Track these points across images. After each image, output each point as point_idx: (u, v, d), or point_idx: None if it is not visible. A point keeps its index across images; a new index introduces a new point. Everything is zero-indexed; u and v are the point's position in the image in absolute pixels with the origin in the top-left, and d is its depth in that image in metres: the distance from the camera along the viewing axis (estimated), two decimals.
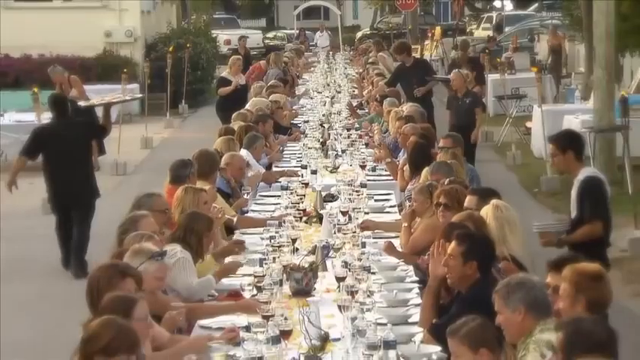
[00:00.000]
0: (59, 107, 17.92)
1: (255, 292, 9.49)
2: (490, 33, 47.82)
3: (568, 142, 12.31)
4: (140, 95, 29.93)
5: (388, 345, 7.67)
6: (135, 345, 6.58)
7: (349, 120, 21.50)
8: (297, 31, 58.30)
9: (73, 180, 17.07)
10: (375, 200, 13.67)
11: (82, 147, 17.65)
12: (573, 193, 11.66)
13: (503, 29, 48.81)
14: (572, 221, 11.58)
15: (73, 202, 17.21)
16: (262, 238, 11.59)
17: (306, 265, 9.88)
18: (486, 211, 9.65)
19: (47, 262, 16.98)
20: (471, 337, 6.77)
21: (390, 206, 13.25)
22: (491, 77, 29.76)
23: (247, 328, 8.37)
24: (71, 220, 17.04)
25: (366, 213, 12.80)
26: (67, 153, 17.09)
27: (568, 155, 11.91)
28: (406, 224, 11.62)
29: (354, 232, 11.40)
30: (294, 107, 24.74)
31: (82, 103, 20.93)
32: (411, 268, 10.52)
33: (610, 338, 6.46)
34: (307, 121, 21.77)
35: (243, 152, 14.72)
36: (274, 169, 16.15)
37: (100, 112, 19.58)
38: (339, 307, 8.66)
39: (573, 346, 6.19)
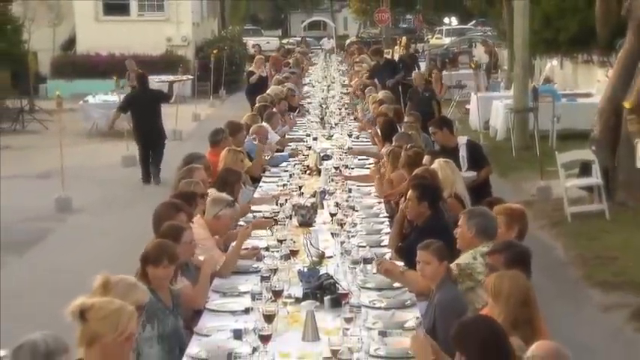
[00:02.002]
0: (142, 81, 19.57)
1: (272, 223, 9.52)
2: (443, 41, 47.86)
3: (442, 123, 12.59)
4: (191, 77, 31.62)
5: (367, 261, 7.79)
6: (174, 258, 6.66)
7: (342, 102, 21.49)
8: (300, 38, 58.17)
9: (150, 127, 18.63)
10: (359, 159, 13.63)
11: (155, 107, 18.96)
12: (463, 152, 11.82)
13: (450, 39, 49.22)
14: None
15: (150, 141, 18.64)
16: (277, 185, 11.65)
17: (309, 205, 9.88)
18: (438, 166, 9.72)
19: (130, 185, 17.50)
20: (439, 252, 6.80)
21: (369, 163, 13.20)
22: (446, 73, 29.70)
23: (266, 249, 8.41)
24: (149, 152, 18.64)
25: (351, 168, 12.81)
26: (145, 110, 18.62)
27: (445, 131, 12.19)
28: (378, 176, 11.64)
29: (343, 182, 11.45)
30: (301, 93, 24.62)
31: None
32: (383, 206, 10.46)
33: (529, 256, 6.52)
34: (310, 103, 21.66)
35: (264, 124, 14.68)
36: (287, 136, 16.10)
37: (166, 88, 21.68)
38: (332, 234, 8.70)
39: (510, 260, 6.20)
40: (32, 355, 4.47)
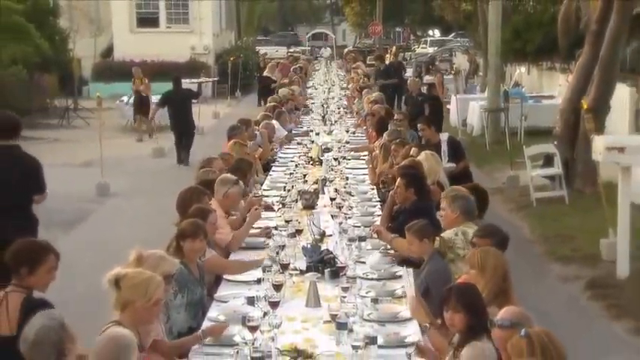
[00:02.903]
0: (176, 82, 20.28)
1: (280, 206, 9.52)
2: (427, 50, 47.75)
3: (429, 122, 12.64)
4: (216, 78, 32.72)
5: (362, 239, 7.82)
6: (206, 234, 6.70)
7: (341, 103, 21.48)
8: (310, 48, 58.22)
9: (184, 119, 19.49)
10: (354, 152, 13.63)
11: (187, 102, 19.93)
12: (445, 147, 11.81)
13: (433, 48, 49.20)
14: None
15: (183, 130, 19.47)
16: (285, 174, 11.65)
17: (312, 190, 9.87)
18: (423, 157, 9.71)
19: (158, 172, 17.27)
20: (419, 231, 6.81)
21: (363, 155, 13.19)
22: (426, 78, 29.61)
23: (276, 228, 8.42)
24: (182, 140, 19.37)
25: (348, 159, 12.81)
26: (180, 105, 19.51)
27: (431, 128, 12.22)
28: (371, 166, 11.64)
29: (342, 171, 11.47)
30: (305, 94, 24.62)
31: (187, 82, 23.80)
32: (375, 192, 10.45)
33: (508, 240, 6.53)
34: (313, 103, 21.67)
35: (274, 122, 14.66)
36: (293, 131, 16.10)
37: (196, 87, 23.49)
38: (332, 215, 8.69)
39: (496, 243, 6.20)
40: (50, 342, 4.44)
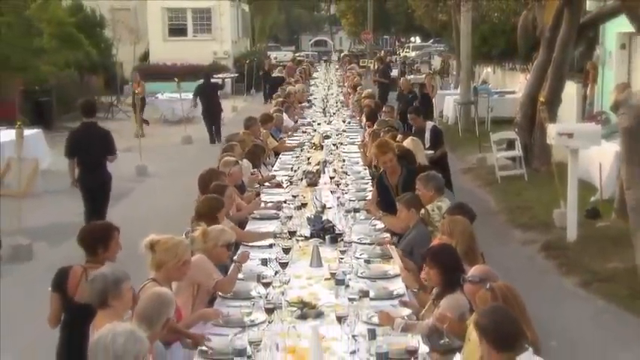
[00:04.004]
0: (207, 77, 21.59)
1: (288, 184, 9.51)
2: (410, 54, 47.58)
3: (419, 111, 12.42)
4: (235, 74, 33.24)
5: (356, 210, 7.81)
6: (222, 207, 6.62)
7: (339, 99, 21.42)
8: (317, 53, 58.01)
9: (213, 104, 20.43)
10: (350, 138, 13.61)
11: (215, 92, 21.24)
12: (428, 134, 11.71)
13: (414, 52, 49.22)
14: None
15: (214, 112, 20.39)
16: (292, 157, 11.64)
17: (315, 170, 9.86)
18: (408, 142, 9.67)
19: (187, 157, 17.02)
20: (407, 202, 6.78)
21: (358, 141, 13.15)
22: (408, 76, 29.53)
23: (285, 202, 8.39)
24: (213, 122, 20.29)
25: (343, 144, 12.77)
26: (210, 97, 20.56)
27: (420, 118, 12.08)
28: (362, 150, 11.60)
29: (339, 154, 11.44)
30: (309, 91, 24.58)
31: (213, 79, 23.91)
32: (367, 172, 10.34)
33: (475, 216, 6.52)
34: (315, 98, 21.62)
35: (284, 115, 14.64)
36: (299, 121, 16.06)
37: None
38: (331, 191, 8.67)
39: (469, 218, 6.19)
40: (104, 282, 4.44)
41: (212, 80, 22.37)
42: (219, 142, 18.85)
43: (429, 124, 12.21)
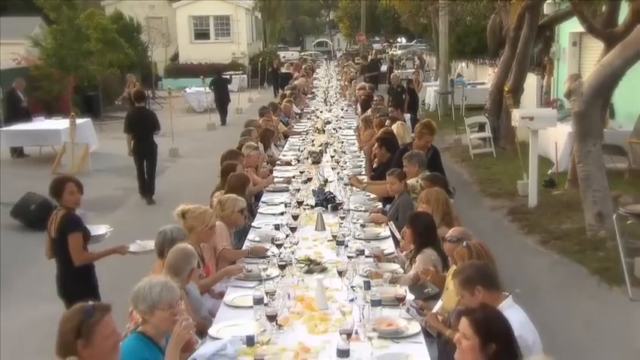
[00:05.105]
0: (219, 73, 22.10)
1: (296, 162, 9.50)
2: (397, 52, 47.23)
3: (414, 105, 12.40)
4: (244, 74, 32.14)
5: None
6: (246, 184, 6.63)
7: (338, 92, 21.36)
8: (313, 53, 57.72)
9: (223, 99, 20.87)
10: (346, 123, 13.56)
11: (225, 85, 21.57)
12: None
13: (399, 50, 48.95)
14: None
15: (224, 101, 20.95)
16: (299, 140, 11.61)
17: (318, 150, 9.84)
18: (396, 127, 9.63)
19: (212, 140, 16.99)
20: (399, 176, 6.74)
21: (354, 126, 13.12)
22: (396, 71, 29.38)
23: (293, 177, 8.38)
24: (223, 106, 20.84)
25: (342, 128, 12.73)
26: (221, 89, 21.08)
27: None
28: (357, 133, 11.54)
29: (338, 137, 11.38)
30: (312, 84, 24.49)
31: (226, 75, 24.59)
32: (362, 152, 10.27)
33: (446, 181, 6.52)
34: (318, 89, 21.55)
35: (292, 104, 14.60)
36: (304, 110, 16.04)
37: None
38: (332, 168, 8.67)
39: (444, 187, 6.18)
40: (164, 238, 4.55)
41: (223, 76, 22.69)
42: (225, 124, 20.23)
43: (407, 116, 12.17)
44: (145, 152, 11.48)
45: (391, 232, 6.02)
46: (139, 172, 11.62)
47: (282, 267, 4.93)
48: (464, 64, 27.89)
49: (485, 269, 3.79)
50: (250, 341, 3.80)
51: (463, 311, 3.31)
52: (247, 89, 29.91)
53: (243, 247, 5.86)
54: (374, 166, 8.72)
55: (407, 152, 7.38)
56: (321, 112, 15.16)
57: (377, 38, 59.28)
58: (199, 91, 23.61)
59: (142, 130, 11.33)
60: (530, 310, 3.81)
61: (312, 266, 5.22)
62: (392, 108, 12.29)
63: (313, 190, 7.41)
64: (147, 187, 11.71)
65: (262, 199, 7.75)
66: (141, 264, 5.27)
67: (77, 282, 5.37)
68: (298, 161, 9.47)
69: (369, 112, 12.03)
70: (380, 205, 7.17)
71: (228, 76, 25.57)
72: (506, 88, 13.48)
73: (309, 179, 8.03)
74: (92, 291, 5.35)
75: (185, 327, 3.38)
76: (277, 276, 4.91)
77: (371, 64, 27.31)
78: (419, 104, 19.12)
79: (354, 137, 11.70)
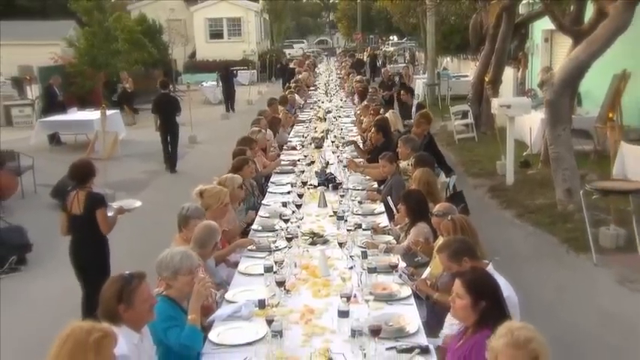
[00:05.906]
0: (226, 67, 22.32)
1: (301, 147, 9.47)
2: (390, 48, 46.87)
3: (408, 90, 12.37)
4: (250, 69, 31.41)
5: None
6: (244, 165, 6.50)
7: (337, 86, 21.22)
8: (315, 50, 57.24)
9: (229, 90, 21.21)
10: (346, 113, 13.51)
11: (231, 78, 21.85)
12: (414, 109, 11.60)
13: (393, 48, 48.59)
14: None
15: (230, 91, 21.29)
16: (303, 127, 11.56)
17: (320, 136, 9.83)
18: (389, 114, 9.58)
19: (226, 129, 16.92)
20: (389, 159, 6.73)
21: (352, 114, 13.06)
22: (388, 66, 29.21)
23: (298, 160, 8.36)
24: (229, 96, 21.13)
25: (342, 117, 12.67)
26: (227, 81, 21.43)
27: (408, 95, 12.02)
28: (357, 119, 11.49)
29: (338, 125, 11.31)
30: (315, 77, 24.37)
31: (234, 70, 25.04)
32: (359, 137, 10.32)
33: (431, 161, 6.47)
34: (319, 83, 21.44)
35: (296, 96, 14.53)
36: (307, 101, 15.95)
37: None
38: (332, 152, 8.67)
39: (419, 163, 6.14)
40: (180, 214, 4.59)
41: (229, 70, 22.97)
42: (232, 111, 20.62)
43: (415, 101, 12.09)
44: (168, 129, 12.48)
45: (388, 206, 6.03)
46: (164, 145, 12.60)
47: (289, 239, 4.94)
48: (449, 59, 27.72)
49: (469, 242, 3.79)
50: (262, 304, 3.84)
51: (456, 274, 3.30)
52: (257, 83, 29.78)
53: (255, 221, 5.88)
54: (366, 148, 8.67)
55: (404, 138, 7.37)
56: (322, 102, 15.10)
57: (372, 37, 58.90)
58: (214, 85, 23.65)
59: (166, 111, 12.33)
60: (509, 275, 3.81)
61: (316, 238, 5.23)
62: (404, 93, 12.29)
63: (316, 172, 7.40)
64: (171, 158, 12.63)
65: (271, 179, 7.74)
66: (147, 241, 5.27)
67: (93, 254, 5.38)
68: (303, 146, 9.45)
69: (365, 101, 12.00)
70: (375, 184, 7.16)
71: (234, 71, 25.51)
72: (486, 79, 13.42)
73: (313, 162, 8.03)
74: (104, 262, 5.38)
75: (203, 285, 3.43)
76: (285, 247, 4.93)
77: (356, 63, 27.13)
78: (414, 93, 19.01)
79: (352, 124, 11.64)
